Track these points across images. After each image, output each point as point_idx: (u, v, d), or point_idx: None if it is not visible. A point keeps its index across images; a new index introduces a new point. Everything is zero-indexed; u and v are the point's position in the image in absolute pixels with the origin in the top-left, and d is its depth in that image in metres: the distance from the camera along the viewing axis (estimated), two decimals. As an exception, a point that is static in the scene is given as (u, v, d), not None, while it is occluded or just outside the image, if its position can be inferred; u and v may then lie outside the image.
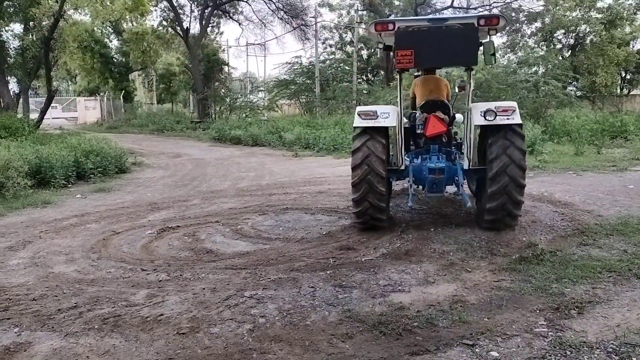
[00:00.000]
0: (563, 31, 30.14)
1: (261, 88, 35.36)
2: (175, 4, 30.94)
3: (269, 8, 31.07)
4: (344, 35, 35.94)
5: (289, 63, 32.85)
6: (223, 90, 33.34)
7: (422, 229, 6.70)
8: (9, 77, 23.88)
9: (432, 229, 6.64)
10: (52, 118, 34.03)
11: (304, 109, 30.28)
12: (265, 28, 32.84)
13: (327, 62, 33.86)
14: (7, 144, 12.03)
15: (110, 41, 36.21)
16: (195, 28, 31.97)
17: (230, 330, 3.97)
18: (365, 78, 34.01)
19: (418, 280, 4.94)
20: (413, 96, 7.70)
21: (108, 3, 21.50)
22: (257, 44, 37.12)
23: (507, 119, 6.02)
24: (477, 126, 6.37)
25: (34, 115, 23.80)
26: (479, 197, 6.97)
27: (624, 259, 5.25)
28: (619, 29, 28.81)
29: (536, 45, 30.59)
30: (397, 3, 30.76)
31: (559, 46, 30.78)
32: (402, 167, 6.67)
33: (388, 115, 6.23)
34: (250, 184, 10.94)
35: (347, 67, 31.58)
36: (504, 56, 29.99)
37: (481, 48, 6.65)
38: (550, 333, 3.76)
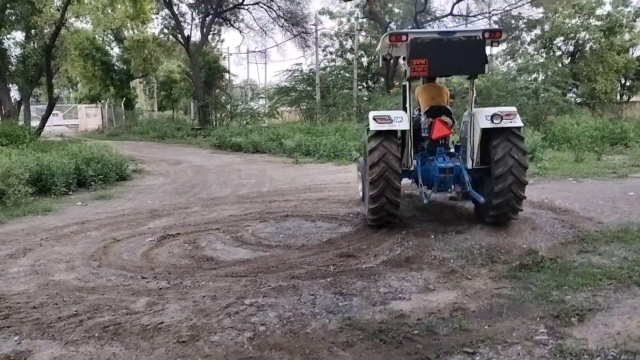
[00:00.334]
0: (562, 38, 30.23)
1: (262, 95, 35.49)
2: (177, 12, 31.12)
3: (269, 16, 31.25)
4: (344, 42, 36.08)
5: (290, 70, 33.00)
6: (224, 98, 33.44)
7: (422, 235, 6.70)
8: (10, 85, 24.02)
9: (432, 236, 6.64)
10: (53, 125, 34.15)
11: (304, 115, 30.37)
12: (266, 35, 33.07)
13: (328, 69, 33.97)
14: (8, 152, 12.08)
15: (112, 49, 36.37)
16: (196, 36, 32.16)
17: (230, 339, 3.97)
18: (365, 85, 34.10)
19: (418, 287, 4.94)
20: (416, 102, 8.02)
21: (110, 11, 21.64)
22: (258, 52, 37.36)
23: (511, 122, 6.61)
24: (482, 129, 6.74)
25: (35, 123, 23.90)
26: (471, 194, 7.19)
27: (624, 266, 5.25)
28: (618, 36, 28.88)
29: (536, 52, 30.68)
30: (397, 11, 30.90)
31: (558, 53, 30.85)
32: (412, 168, 7.17)
33: (402, 120, 6.76)
34: (251, 191, 10.95)
35: (347, 74, 31.68)
36: (503, 63, 30.10)
37: None
38: (550, 341, 3.75)
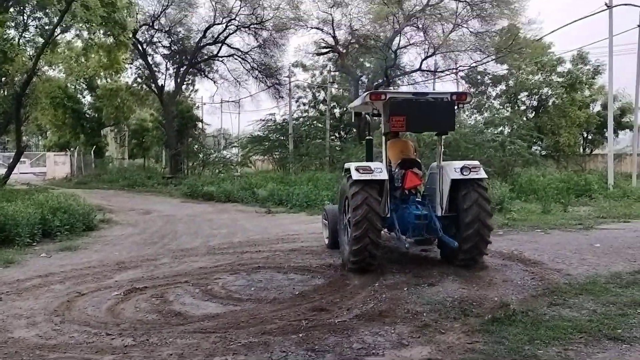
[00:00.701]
0: (526, 93, 31.55)
1: (235, 144, 35.63)
2: (151, 62, 31.44)
3: (243, 67, 31.86)
4: (317, 94, 36.83)
5: (263, 120, 33.38)
6: (196, 146, 33.43)
7: (395, 288, 6.67)
8: (-23, 133, 23.60)
9: (405, 289, 6.62)
10: (20, 173, 33.40)
11: (277, 165, 30.51)
12: (240, 86, 33.50)
13: (301, 119, 34.51)
14: (-30, 201, 11.71)
15: (84, 97, 36.31)
16: (170, 85, 32.45)
17: (198, 400, 3.81)
18: (337, 135, 34.64)
19: (392, 343, 4.87)
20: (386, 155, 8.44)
21: (83, 60, 21.73)
22: (232, 101, 37.70)
23: (477, 174, 7.33)
24: (452, 180, 7.34)
25: (1, 171, 23.36)
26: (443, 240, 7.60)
27: (594, 319, 5.30)
28: (579, 92, 30.31)
29: (501, 107, 31.86)
30: (368, 65, 31.86)
31: (523, 107, 32.10)
32: (388, 215, 7.56)
33: (381, 170, 7.33)
34: (222, 242, 10.80)
35: (320, 125, 32.19)
36: (471, 116, 31.07)
37: None
38: (524, 398, 3.71)
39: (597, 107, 32.59)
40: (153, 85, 31.63)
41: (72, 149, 38.43)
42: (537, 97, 31.28)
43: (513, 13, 24.54)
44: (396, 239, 7.68)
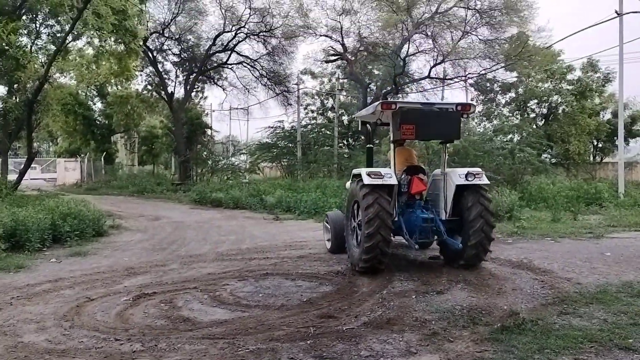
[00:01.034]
0: (536, 101, 31.42)
1: (243, 151, 35.74)
2: (161, 70, 31.67)
3: (252, 75, 31.96)
4: (325, 101, 36.91)
5: (272, 127, 33.48)
6: (205, 153, 33.58)
7: (403, 296, 6.64)
8: (-11, 139, 23.83)
9: (413, 296, 6.59)
10: (31, 179, 33.71)
11: (285, 172, 30.55)
12: (248, 93, 33.63)
13: (309, 126, 34.58)
14: (-18, 206, 11.82)
15: (94, 104, 36.61)
16: (179, 92, 32.65)
17: (206, 406, 3.81)
18: (346, 142, 34.66)
19: (400, 351, 4.85)
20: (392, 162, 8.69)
21: (94, 67, 21.92)
22: (241, 109, 37.87)
23: (480, 180, 7.80)
24: (457, 185, 7.78)
25: (12, 177, 23.57)
26: (447, 243, 8.07)
27: (604, 328, 5.24)
28: (589, 100, 30.13)
29: (511, 114, 31.73)
30: (376, 73, 31.89)
31: (532, 115, 31.95)
32: (396, 218, 7.92)
33: (391, 176, 7.71)
34: (230, 248, 10.82)
35: (328, 132, 32.23)
36: (480, 124, 30.96)
37: None
38: (534, 407, 3.68)
39: (607, 115, 32.38)
40: (163, 92, 31.83)
41: (82, 155, 38.74)
42: (546, 104, 31.14)
43: (522, 21, 24.44)
44: (405, 240, 8.10)
